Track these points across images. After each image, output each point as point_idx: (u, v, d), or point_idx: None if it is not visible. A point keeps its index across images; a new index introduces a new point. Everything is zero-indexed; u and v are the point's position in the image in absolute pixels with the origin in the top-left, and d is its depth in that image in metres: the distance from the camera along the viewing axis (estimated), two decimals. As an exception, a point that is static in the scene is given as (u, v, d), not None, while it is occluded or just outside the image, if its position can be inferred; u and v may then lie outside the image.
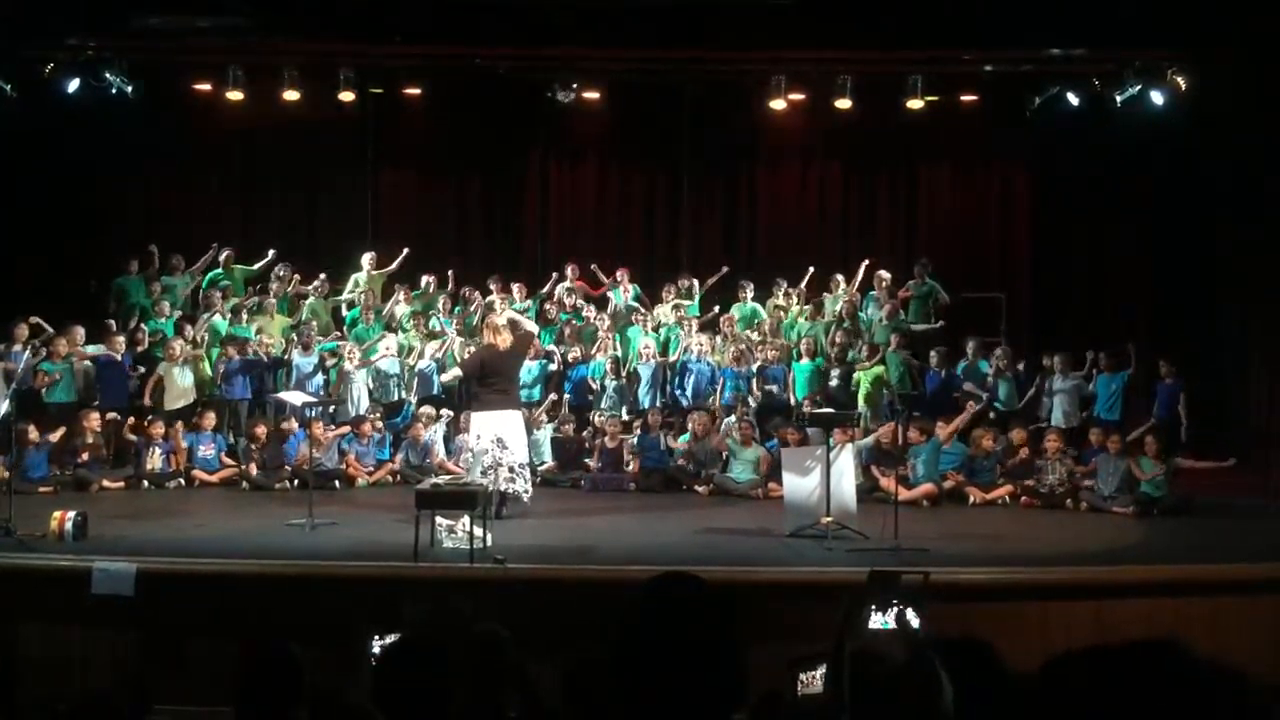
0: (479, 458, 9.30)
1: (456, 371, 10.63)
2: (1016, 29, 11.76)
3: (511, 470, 9.28)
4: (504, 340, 9.64)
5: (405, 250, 13.64)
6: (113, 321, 12.58)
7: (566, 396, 12.65)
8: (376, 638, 5.34)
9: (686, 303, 13.49)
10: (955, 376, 12.22)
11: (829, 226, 15.28)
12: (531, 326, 10.71)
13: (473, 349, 11.17)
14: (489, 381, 9.48)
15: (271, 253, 13.51)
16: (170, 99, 13.67)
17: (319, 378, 12.32)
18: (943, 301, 13.18)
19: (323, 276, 13.54)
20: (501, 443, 9.26)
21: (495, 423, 9.34)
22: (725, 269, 13.84)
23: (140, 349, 12.29)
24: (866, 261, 13.50)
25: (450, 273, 13.71)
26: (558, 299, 13.59)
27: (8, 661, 4.70)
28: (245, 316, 12.74)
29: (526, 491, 9.51)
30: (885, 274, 13.34)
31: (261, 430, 11.54)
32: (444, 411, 12.10)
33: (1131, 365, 11.85)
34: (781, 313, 13.36)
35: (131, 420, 11.57)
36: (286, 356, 12.43)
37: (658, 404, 12.34)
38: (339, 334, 13.01)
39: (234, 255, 13.60)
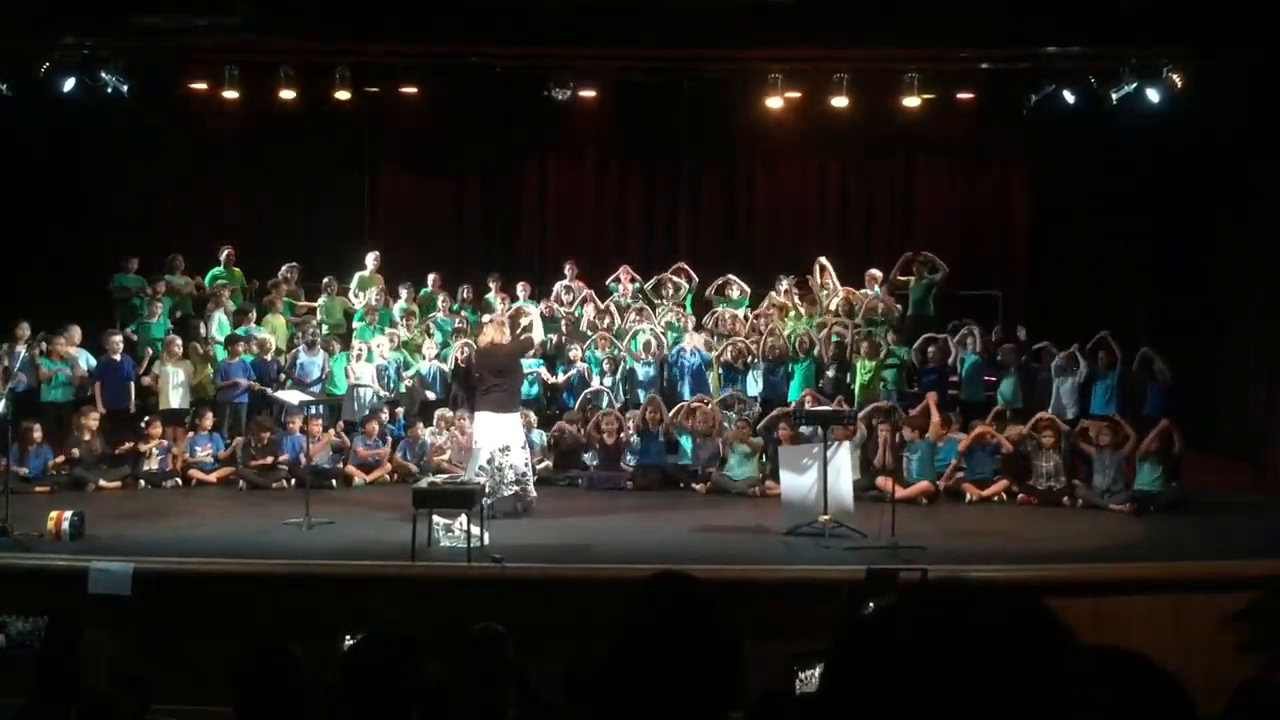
0: (477, 458, 9.30)
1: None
2: (1013, 26, 11.76)
3: (517, 475, 9.36)
4: (505, 337, 9.67)
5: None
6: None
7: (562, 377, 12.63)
8: (347, 635, 5.34)
9: (684, 286, 13.53)
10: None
11: (827, 224, 15.28)
12: (538, 334, 10.75)
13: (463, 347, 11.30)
14: (491, 382, 9.41)
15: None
16: (167, 98, 13.65)
17: (320, 376, 12.32)
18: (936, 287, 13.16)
19: (286, 270, 13.56)
20: (505, 449, 9.31)
21: (497, 426, 9.31)
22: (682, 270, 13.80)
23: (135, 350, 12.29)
24: (908, 254, 13.41)
25: (435, 279, 13.71)
26: (556, 295, 13.60)
27: (71, 659, 4.73)
28: (252, 317, 12.75)
29: (530, 489, 9.63)
30: (877, 272, 13.33)
31: (260, 430, 11.52)
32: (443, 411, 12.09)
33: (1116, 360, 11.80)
34: (778, 309, 13.33)
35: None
36: (290, 355, 12.46)
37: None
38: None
39: (234, 254, 13.60)
